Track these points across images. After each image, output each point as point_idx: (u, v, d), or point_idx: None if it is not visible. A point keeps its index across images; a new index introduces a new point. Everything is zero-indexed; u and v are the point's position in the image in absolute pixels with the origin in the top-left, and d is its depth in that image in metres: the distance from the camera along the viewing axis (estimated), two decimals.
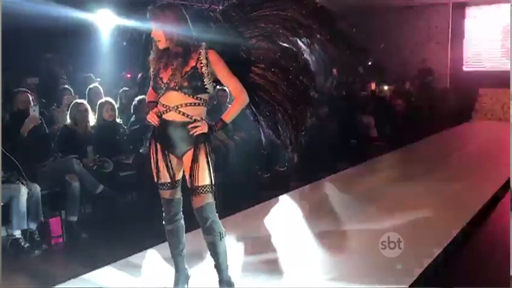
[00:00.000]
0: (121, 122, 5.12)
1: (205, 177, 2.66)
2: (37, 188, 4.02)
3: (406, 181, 5.79)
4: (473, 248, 3.88)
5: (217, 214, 2.75)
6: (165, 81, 2.63)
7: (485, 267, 3.50)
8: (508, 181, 5.29)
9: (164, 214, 2.87)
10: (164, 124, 2.67)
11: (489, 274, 3.39)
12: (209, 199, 2.69)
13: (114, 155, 4.80)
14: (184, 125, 2.63)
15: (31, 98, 4.42)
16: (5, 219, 3.88)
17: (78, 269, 3.42)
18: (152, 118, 2.68)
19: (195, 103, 2.62)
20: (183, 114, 2.62)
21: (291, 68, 2.78)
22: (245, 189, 5.56)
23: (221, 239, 2.74)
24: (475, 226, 4.29)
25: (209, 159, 2.66)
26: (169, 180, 2.76)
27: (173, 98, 2.62)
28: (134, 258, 3.59)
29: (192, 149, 2.64)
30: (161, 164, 2.74)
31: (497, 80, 10.98)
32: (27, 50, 7.27)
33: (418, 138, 9.05)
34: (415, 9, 12.51)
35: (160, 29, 2.59)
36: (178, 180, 2.81)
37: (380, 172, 6.55)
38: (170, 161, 2.73)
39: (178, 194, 2.83)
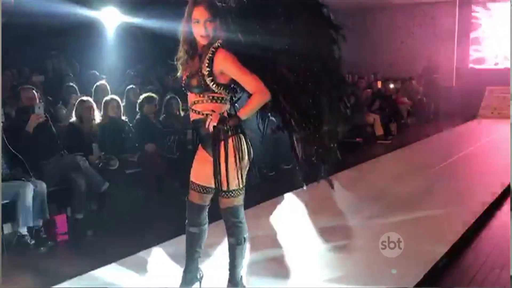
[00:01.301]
0: (126, 120, 5.13)
1: (231, 178, 2.59)
2: (43, 185, 4.04)
3: (411, 179, 5.77)
4: (473, 248, 3.86)
5: (244, 217, 2.72)
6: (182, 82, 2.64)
7: (485, 267, 3.48)
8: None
9: (189, 215, 2.75)
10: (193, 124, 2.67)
11: (489, 274, 3.37)
12: (233, 202, 2.65)
13: (120, 153, 4.81)
14: (202, 122, 2.58)
15: (36, 95, 4.43)
16: (11, 216, 3.90)
17: (84, 267, 3.42)
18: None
19: (202, 100, 2.56)
20: (196, 112, 2.59)
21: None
22: (250, 187, 5.54)
23: (243, 243, 2.70)
24: (480, 225, 4.27)
25: (236, 156, 2.57)
26: (205, 183, 2.65)
27: (189, 98, 2.62)
28: (139, 256, 3.60)
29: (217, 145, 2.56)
30: (198, 165, 2.67)
31: (504, 78, 10.92)
32: (33, 47, 7.30)
33: (423, 136, 9.03)
34: (422, 6, 12.46)
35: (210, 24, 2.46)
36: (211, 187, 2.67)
37: (385, 170, 6.53)
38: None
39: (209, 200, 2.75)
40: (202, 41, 2.48)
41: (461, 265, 3.54)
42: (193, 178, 2.69)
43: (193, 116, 2.61)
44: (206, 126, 2.52)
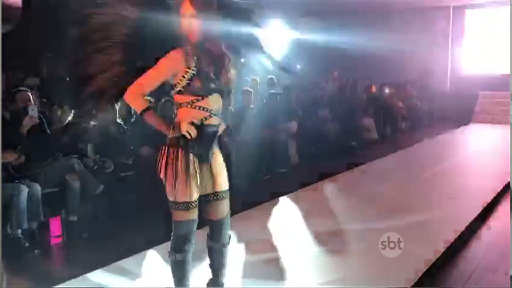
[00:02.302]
0: (121, 122, 5.12)
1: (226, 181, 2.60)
2: (37, 187, 4.03)
3: (405, 183, 5.80)
4: (473, 248, 3.88)
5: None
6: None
7: (485, 267, 3.50)
8: (508, 184, 5.31)
9: (174, 241, 2.53)
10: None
11: (489, 274, 3.39)
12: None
13: (115, 156, 4.80)
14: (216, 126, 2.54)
15: (31, 97, 4.42)
16: (5, 219, 3.88)
17: (78, 269, 3.42)
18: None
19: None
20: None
21: None
22: (245, 191, 5.56)
23: (228, 245, 2.67)
24: (475, 227, 4.30)
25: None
26: (193, 199, 2.46)
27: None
28: (134, 259, 3.59)
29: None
30: (189, 180, 2.45)
31: (497, 83, 11.01)
32: (28, 50, 7.27)
33: (418, 140, 9.08)
34: (416, 11, 12.55)
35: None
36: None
37: (380, 174, 6.56)
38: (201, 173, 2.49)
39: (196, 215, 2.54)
40: (192, 38, 2.39)
41: (455, 268, 3.56)
42: (184, 198, 2.46)
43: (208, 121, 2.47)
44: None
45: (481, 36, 12.52)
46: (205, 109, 2.42)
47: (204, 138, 2.44)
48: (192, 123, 2.40)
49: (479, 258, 3.67)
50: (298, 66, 11.73)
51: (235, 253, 3.66)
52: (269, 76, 8.44)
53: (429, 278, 3.26)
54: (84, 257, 3.79)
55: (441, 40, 12.71)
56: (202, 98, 2.40)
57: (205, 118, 2.43)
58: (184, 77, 2.37)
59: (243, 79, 7.51)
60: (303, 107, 7.90)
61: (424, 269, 3.29)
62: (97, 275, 3.32)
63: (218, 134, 2.55)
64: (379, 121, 9.40)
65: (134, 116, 5.28)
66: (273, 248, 3.84)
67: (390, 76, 11.53)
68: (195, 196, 2.47)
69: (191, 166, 2.43)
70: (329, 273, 3.34)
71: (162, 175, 2.48)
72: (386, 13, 12.50)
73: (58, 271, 3.58)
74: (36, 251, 3.87)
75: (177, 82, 2.40)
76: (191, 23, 2.35)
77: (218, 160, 2.60)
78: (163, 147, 2.48)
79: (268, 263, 3.51)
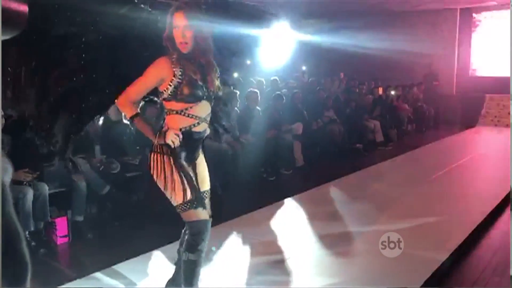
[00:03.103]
0: (128, 123, 5.13)
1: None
2: (44, 187, 4.04)
3: (412, 185, 5.78)
4: (473, 255, 3.87)
5: None
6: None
7: (485, 267, 3.48)
8: None
9: (189, 241, 2.54)
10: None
11: (496, 277, 3.38)
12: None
13: (121, 156, 4.81)
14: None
15: None
16: None
17: (84, 269, 3.43)
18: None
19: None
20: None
21: None
22: (251, 192, 5.56)
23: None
24: (483, 230, 4.28)
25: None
26: (205, 187, 2.59)
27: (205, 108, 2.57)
28: (139, 259, 3.60)
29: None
30: (184, 179, 2.49)
31: (504, 86, 10.95)
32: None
33: (423, 143, 9.05)
34: (423, 13, 12.51)
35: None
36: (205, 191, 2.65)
37: (385, 177, 6.54)
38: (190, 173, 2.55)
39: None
40: (182, 48, 2.43)
41: (462, 270, 3.54)
42: (190, 195, 2.50)
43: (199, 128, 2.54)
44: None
45: (488, 39, 12.46)
46: (194, 116, 2.48)
47: (192, 144, 2.53)
48: (181, 130, 2.46)
49: (487, 261, 3.65)
50: (303, 68, 11.72)
51: (240, 254, 3.67)
52: (272, 78, 8.45)
53: (436, 281, 3.25)
54: (90, 257, 3.80)
55: (448, 43, 12.65)
56: (191, 106, 2.46)
57: (194, 125, 2.50)
58: (170, 85, 2.42)
59: (248, 80, 7.52)
60: (309, 108, 7.89)
61: (431, 271, 3.28)
62: (102, 275, 3.33)
63: (203, 139, 2.62)
64: (385, 123, 9.38)
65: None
66: (278, 249, 3.84)
67: (396, 78, 11.50)
68: (195, 193, 2.50)
69: (181, 168, 2.48)
70: (334, 275, 3.33)
71: (159, 184, 2.52)
72: (393, 15, 12.47)
73: (64, 271, 3.58)
74: (42, 250, 3.89)
75: (164, 90, 2.44)
76: (183, 33, 2.40)
77: (201, 162, 2.66)
78: (152, 155, 2.52)
79: (274, 265, 3.51)
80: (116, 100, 2.45)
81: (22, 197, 3.84)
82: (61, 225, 4.11)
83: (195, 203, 2.48)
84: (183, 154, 2.50)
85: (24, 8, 1.07)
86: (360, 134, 8.64)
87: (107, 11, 2.44)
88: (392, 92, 10.47)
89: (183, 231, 2.72)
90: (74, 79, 2.43)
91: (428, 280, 3.20)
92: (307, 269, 3.48)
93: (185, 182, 2.47)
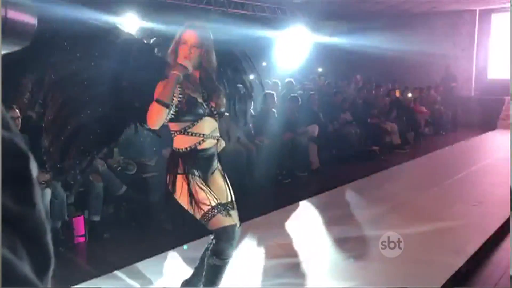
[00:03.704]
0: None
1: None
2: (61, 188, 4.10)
3: (428, 189, 5.71)
4: (499, 255, 3.81)
5: None
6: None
7: (504, 273, 3.43)
8: None
9: (218, 246, 2.51)
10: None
11: (489, 274, 3.32)
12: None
13: (138, 157, 4.86)
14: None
15: None
16: None
17: (100, 269, 3.47)
18: None
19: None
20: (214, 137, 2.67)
21: None
22: (266, 194, 5.56)
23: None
24: (502, 234, 4.21)
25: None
26: (217, 202, 2.53)
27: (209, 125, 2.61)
28: (155, 259, 3.62)
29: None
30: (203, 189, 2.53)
31: None
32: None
33: (441, 146, 8.94)
34: (441, 15, 12.37)
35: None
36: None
37: (402, 180, 6.48)
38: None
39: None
40: (186, 65, 2.47)
41: (480, 275, 3.49)
42: (215, 200, 2.53)
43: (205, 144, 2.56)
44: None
45: (508, 40, 12.27)
46: (198, 134, 2.51)
47: (200, 162, 2.55)
48: (187, 149, 2.51)
49: (505, 266, 3.59)
50: (320, 70, 11.69)
51: (255, 257, 3.67)
52: (287, 80, 8.44)
53: (453, 285, 3.21)
54: (106, 257, 3.84)
55: (466, 44, 12.50)
56: (193, 124, 2.50)
57: (199, 143, 2.53)
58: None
59: (264, 82, 7.53)
60: (325, 110, 7.86)
61: (448, 276, 3.24)
62: (118, 275, 3.36)
63: (217, 153, 2.63)
64: (402, 125, 9.30)
65: None
66: (293, 252, 3.83)
67: (413, 80, 11.39)
68: (214, 201, 2.50)
69: (196, 183, 2.50)
70: (350, 279, 3.31)
71: (182, 203, 2.54)
72: (410, 17, 12.37)
73: (81, 270, 3.63)
74: (60, 249, 3.94)
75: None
76: (190, 50, 2.46)
77: (217, 177, 2.66)
78: (168, 177, 2.57)
79: (289, 268, 3.50)
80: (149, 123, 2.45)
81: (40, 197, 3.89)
82: (78, 224, 4.16)
83: (215, 210, 2.48)
84: (195, 172, 2.53)
85: (32, 20, 1.09)
86: (376, 137, 8.58)
87: (103, 44, 2.52)
88: (409, 94, 10.38)
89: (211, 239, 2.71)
90: (82, 115, 2.49)
91: (445, 285, 3.16)
92: (323, 272, 3.47)
93: (203, 193, 2.49)
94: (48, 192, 3.96)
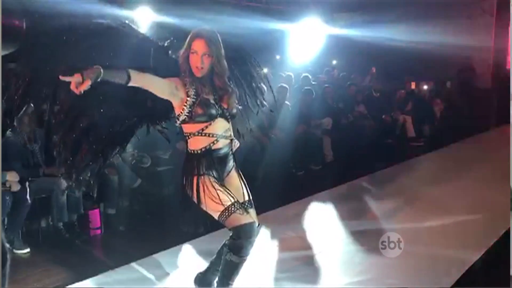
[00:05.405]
0: None
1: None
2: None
3: (443, 182, 5.65)
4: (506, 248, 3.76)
5: None
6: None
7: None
8: None
9: (237, 243, 2.51)
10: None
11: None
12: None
13: (152, 150, 4.89)
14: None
15: None
16: (48, 211, 4.04)
17: (116, 261, 3.51)
18: None
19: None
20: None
21: None
22: (280, 187, 5.56)
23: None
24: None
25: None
26: (233, 200, 2.53)
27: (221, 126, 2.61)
28: (169, 252, 3.65)
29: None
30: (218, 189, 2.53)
31: None
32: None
33: (457, 139, 8.81)
34: (458, 5, 12.17)
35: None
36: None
37: (417, 173, 6.42)
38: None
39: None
40: (196, 72, 2.49)
41: (496, 270, 3.45)
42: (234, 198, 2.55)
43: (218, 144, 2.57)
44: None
45: None
46: (211, 135, 2.53)
47: (216, 162, 2.56)
48: (202, 150, 2.53)
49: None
50: (334, 62, 11.60)
51: (269, 250, 3.68)
52: (303, 75, 8.38)
53: (468, 280, 3.18)
54: (122, 249, 3.88)
55: (484, 35, 12.26)
56: (207, 125, 2.52)
57: (213, 143, 2.54)
58: (185, 105, 2.47)
59: (278, 75, 7.50)
60: (339, 103, 7.82)
61: (463, 271, 3.21)
62: (133, 267, 3.39)
63: (232, 153, 2.64)
64: (417, 118, 9.19)
65: None
66: (307, 245, 3.83)
67: (429, 72, 11.23)
68: (232, 198, 2.51)
69: (212, 182, 2.52)
70: (364, 272, 3.29)
71: (200, 205, 2.53)
72: (426, 8, 12.19)
73: (97, 262, 3.67)
74: (76, 241, 4.00)
75: (180, 112, 2.50)
76: (202, 60, 2.47)
77: (234, 177, 2.67)
78: (184, 178, 2.58)
79: (302, 261, 3.50)
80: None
81: (56, 189, 3.96)
82: (94, 217, 4.22)
83: (232, 208, 2.49)
84: (211, 172, 2.55)
85: (21, 23, 1.10)
86: (391, 129, 8.51)
87: (117, 42, 2.51)
88: (425, 87, 10.26)
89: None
90: (94, 113, 2.49)
91: (460, 279, 3.13)
92: (337, 265, 3.46)
93: (219, 193, 2.50)
94: (64, 185, 4.01)
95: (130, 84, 2.26)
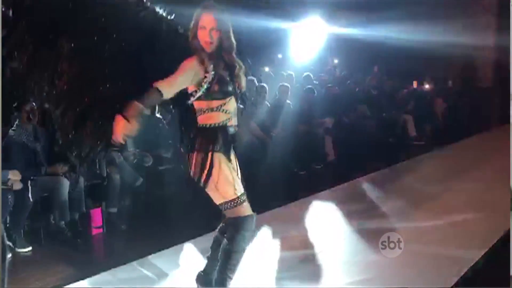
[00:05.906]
0: (160, 117, 5.21)
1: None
2: (80, 179, 4.16)
3: (444, 182, 5.64)
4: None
5: None
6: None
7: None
8: None
9: (240, 236, 2.49)
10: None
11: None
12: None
13: (153, 149, 4.90)
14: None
15: None
16: (50, 209, 4.05)
17: (117, 259, 3.52)
18: None
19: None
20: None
21: None
22: (281, 186, 5.57)
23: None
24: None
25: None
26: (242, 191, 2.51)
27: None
28: (171, 251, 3.66)
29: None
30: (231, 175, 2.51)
31: None
32: None
33: (458, 138, 8.80)
34: (460, 4, 12.14)
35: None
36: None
37: (418, 172, 6.42)
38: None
39: None
40: (207, 47, 2.46)
41: (499, 269, 3.45)
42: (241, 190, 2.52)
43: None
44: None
45: None
46: (227, 111, 2.51)
47: (229, 138, 2.53)
48: (216, 125, 2.49)
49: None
50: (335, 61, 11.59)
51: (270, 248, 3.69)
52: (305, 74, 8.39)
53: (470, 280, 3.18)
54: (123, 248, 3.89)
55: (486, 33, 12.23)
56: (225, 103, 2.50)
57: (228, 119, 2.52)
58: (204, 83, 2.43)
59: (279, 74, 7.51)
60: (341, 102, 7.81)
61: (465, 270, 3.22)
62: (135, 266, 3.40)
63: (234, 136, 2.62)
64: (419, 117, 9.18)
65: (173, 110, 5.34)
66: (308, 244, 3.84)
67: (431, 71, 11.21)
68: (243, 188, 2.50)
69: (227, 163, 2.48)
70: (365, 272, 3.29)
71: (208, 185, 2.48)
72: (428, 7, 12.16)
73: (98, 261, 3.69)
74: (78, 240, 4.01)
75: (196, 89, 2.45)
76: (211, 34, 2.44)
77: (235, 161, 2.64)
78: (195, 154, 2.50)
79: (304, 260, 3.51)
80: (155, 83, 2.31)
81: (58, 188, 3.97)
82: (96, 216, 4.23)
83: (243, 198, 2.49)
84: (222, 149, 2.49)
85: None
86: (393, 128, 8.50)
87: (126, 19, 2.48)
88: (427, 86, 10.25)
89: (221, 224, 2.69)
90: (100, 88, 2.43)
91: (460, 279, 3.14)
92: (338, 265, 3.47)
93: (234, 178, 2.48)
94: (66, 183, 4.03)
95: (163, 99, 2.29)
